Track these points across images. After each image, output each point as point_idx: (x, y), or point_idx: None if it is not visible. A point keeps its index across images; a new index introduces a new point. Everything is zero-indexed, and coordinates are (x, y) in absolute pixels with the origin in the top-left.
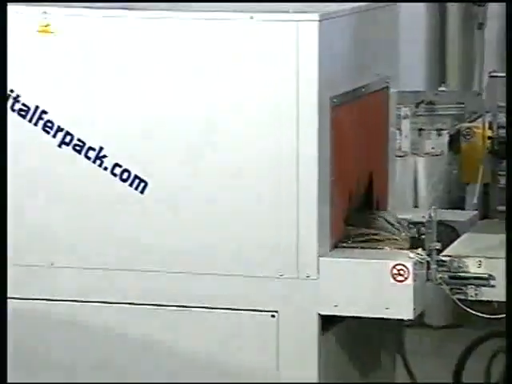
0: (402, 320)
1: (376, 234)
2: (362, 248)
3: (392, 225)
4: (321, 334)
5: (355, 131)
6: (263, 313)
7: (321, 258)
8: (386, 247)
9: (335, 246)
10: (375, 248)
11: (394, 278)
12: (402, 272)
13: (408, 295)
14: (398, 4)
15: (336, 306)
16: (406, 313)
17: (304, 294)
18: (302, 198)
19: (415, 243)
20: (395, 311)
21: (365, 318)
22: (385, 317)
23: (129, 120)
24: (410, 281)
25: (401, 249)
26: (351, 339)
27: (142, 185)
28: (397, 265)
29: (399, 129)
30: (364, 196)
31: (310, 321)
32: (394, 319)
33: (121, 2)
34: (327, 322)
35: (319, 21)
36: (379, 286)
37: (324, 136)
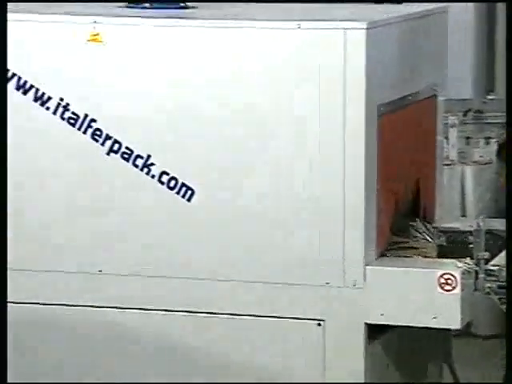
0: (450, 329)
1: (406, 242)
2: (406, 257)
3: (421, 233)
4: (367, 342)
5: (402, 139)
6: (309, 321)
7: (367, 267)
8: (414, 255)
9: (381, 255)
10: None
11: (442, 288)
12: (449, 281)
13: (455, 305)
14: (446, 11)
15: (383, 314)
16: (454, 322)
17: (350, 303)
18: (349, 206)
19: (444, 252)
20: (442, 320)
21: (412, 327)
22: (432, 326)
23: (177, 128)
24: (457, 290)
25: (427, 257)
26: (398, 348)
27: (189, 193)
28: (444, 274)
29: (447, 137)
30: (411, 205)
31: (357, 330)
32: (441, 329)
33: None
34: (374, 331)
35: (367, 29)
36: (426, 295)
37: (371, 144)
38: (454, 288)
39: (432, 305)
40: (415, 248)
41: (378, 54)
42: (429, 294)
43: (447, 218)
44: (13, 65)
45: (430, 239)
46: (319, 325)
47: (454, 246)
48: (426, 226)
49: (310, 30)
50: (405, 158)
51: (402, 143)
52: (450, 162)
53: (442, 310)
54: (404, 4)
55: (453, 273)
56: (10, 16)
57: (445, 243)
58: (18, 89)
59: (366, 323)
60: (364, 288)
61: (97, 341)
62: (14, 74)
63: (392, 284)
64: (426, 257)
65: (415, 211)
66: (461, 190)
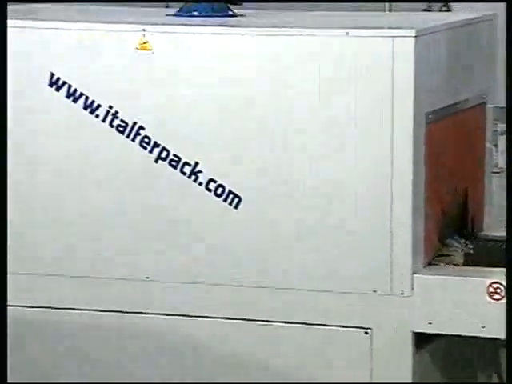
0: (498, 339)
1: (441, 250)
2: (455, 265)
3: (452, 240)
4: (415, 351)
5: (451, 147)
6: (356, 329)
7: (415, 275)
8: (441, 263)
9: (429, 263)
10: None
11: (491, 296)
12: (498, 290)
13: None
14: (495, 18)
15: (431, 323)
16: (503, 332)
17: (398, 311)
18: (396, 214)
19: (492, 260)
20: (491, 330)
21: (460, 336)
22: (481, 335)
23: (224, 136)
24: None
25: (456, 265)
26: (446, 357)
27: (236, 200)
28: (493, 283)
29: (496, 145)
30: (459, 213)
31: (404, 338)
32: (489, 338)
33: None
34: (421, 340)
35: (415, 36)
36: (475, 304)
37: (419, 152)
38: (503, 297)
39: (481, 314)
40: (447, 255)
41: (427, 61)
42: (477, 303)
43: (495, 226)
44: (63, 73)
45: (456, 246)
46: (366, 333)
47: (502, 254)
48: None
49: (358, 38)
50: (453, 165)
51: (451, 151)
52: (498, 170)
53: (490, 319)
54: (452, 12)
55: (502, 282)
56: (60, 25)
57: (493, 251)
58: (68, 97)
59: (413, 332)
60: (412, 296)
61: (145, 347)
62: (64, 83)
63: (440, 292)
64: (455, 265)
65: (463, 220)
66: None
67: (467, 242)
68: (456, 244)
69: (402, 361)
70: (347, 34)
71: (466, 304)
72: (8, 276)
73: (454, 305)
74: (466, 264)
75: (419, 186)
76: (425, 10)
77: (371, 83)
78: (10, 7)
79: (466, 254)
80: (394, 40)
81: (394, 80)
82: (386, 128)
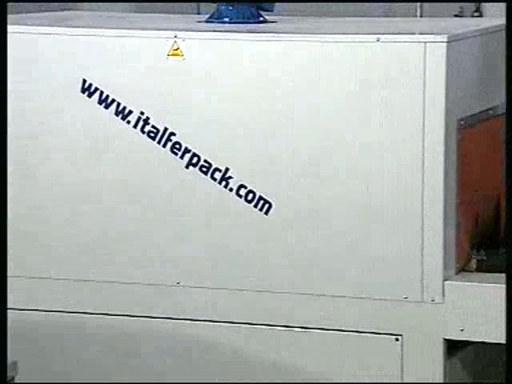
0: None
1: (473, 256)
2: (489, 271)
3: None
4: (446, 358)
5: (482, 154)
6: (387, 336)
7: (446, 282)
8: (473, 270)
9: (461, 270)
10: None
11: None
12: None
13: None
14: None
15: (462, 330)
16: None
17: (429, 318)
18: (428, 221)
19: (482, 265)
20: None
21: (492, 343)
22: None
23: (255, 141)
24: None
25: (488, 272)
26: (478, 365)
27: (267, 206)
28: None
29: None
30: (492, 220)
31: (436, 345)
32: None
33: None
34: (453, 347)
35: (447, 42)
36: None
37: (450, 158)
38: None
39: None
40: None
41: (458, 67)
42: None
43: None
44: (95, 79)
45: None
46: (397, 340)
47: None
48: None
49: (390, 44)
50: (485, 172)
51: (482, 157)
52: None
53: None
54: (484, 17)
55: None
56: (93, 31)
57: None
58: (100, 103)
59: (444, 339)
60: (443, 303)
61: (172, 352)
62: (96, 89)
63: (471, 299)
64: (487, 272)
65: (496, 227)
66: None
67: (499, 249)
68: (487, 251)
69: (433, 368)
70: (378, 39)
71: (497, 311)
72: (31, 279)
73: (486, 312)
74: (497, 271)
75: (451, 193)
76: (456, 16)
77: (402, 89)
78: (45, 14)
79: (498, 261)
80: (425, 45)
81: (426, 86)
82: (417, 134)
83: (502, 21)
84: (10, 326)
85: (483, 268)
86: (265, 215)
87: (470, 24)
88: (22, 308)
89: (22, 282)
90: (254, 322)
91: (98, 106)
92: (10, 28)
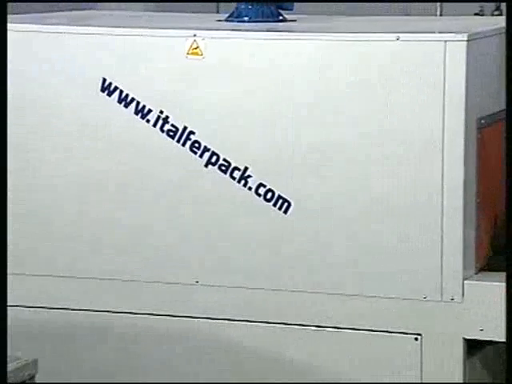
0: None
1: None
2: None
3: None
4: (466, 358)
5: (502, 153)
6: (406, 335)
7: (466, 281)
8: (492, 270)
9: (480, 269)
10: None
11: None
12: None
13: None
14: None
15: (482, 330)
16: None
17: (448, 318)
18: (448, 220)
19: (501, 265)
20: None
21: None
22: None
23: (275, 140)
24: None
25: (490, 271)
26: (498, 364)
27: (286, 205)
28: None
29: None
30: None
31: (455, 345)
32: None
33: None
34: (473, 347)
35: (467, 41)
36: None
37: (470, 158)
38: None
39: None
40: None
41: (478, 66)
42: None
43: None
44: (115, 78)
45: None
46: (416, 339)
47: None
48: None
49: (409, 42)
50: (505, 171)
51: (502, 157)
52: None
53: None
54: (504, 16)
55: None
56: (112, 31)
57: None
58: (119, 102)
59: (464, 338)
60: (462, 303)
61: (190, 351)
62: (116, 88)
63: (491, 299)
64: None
65: None
66: None
67: None
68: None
69: (453, 368)
70: (398, 38)
71: None
72: (54, 278)
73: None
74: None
75: (470, 193)
76: (477, 14)
77: (422, 88)
78: (64, 13)
79: None
80: (445, 44)
81: (446, 85)
82: (437, 133)
83: None
84: (28, 324)
85: (502, 267)
86: (284, 214)
87: (490, 23)
88: (53, 307)
89: (44, 279)
90: (272, 321)
91: (118, 105)
92: (30, 27)
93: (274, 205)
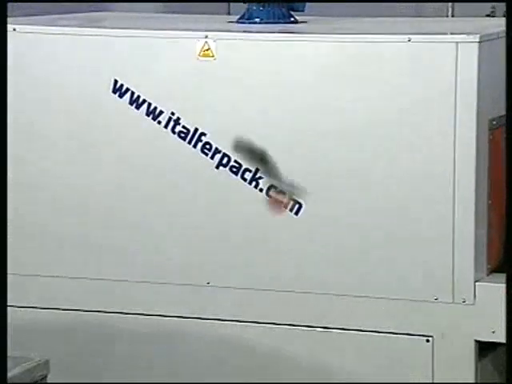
0: None
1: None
2: None
3: None
4: (478, 360)
5: None
6: (418, 337)
7: (477, 283)
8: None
9: (492, 271)
10: None
11: None
12: None
13: None
14: None
15: (494, 332)
16: None
17: (460, 319)
18: (459, 222)
19: None
20: None
21: None
22: None
23: (285, 142)
24: None
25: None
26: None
27: (297, 206)
28: None
29: None
30: None
31: (467, 347)
32: None
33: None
34: (484, 349)
35: (479, 42)
36: None
37: (482, 159)
38: None
39: None
40: None
41: (490, 67)
42: None
43: None
44: (126, 80)
45: None
46: (428, 341)
47: None
48: None
49: (421, 44)
50: None
51: None
52: None
53: None
54: None
55: None
56: (124, 32)
57: None
58: (131, 103)
59: (476, 340)
60: (474, 304)
61: (201, 352)
62: (127, 89)
63: (503, 301)
64: None
65: None
66: None
67: None
68: None
69: (465, 370)
70: (409, 39)
71: None
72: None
73: None
74: None
75: (482, 193)
76: (488, 16)
77: (434, 89)
78: (76, 15)
79: None
80: (457, 45)
81: (457, 86)
82: (448, 134)
83: None
84: (42, 323)
85: None
86: (295, 216)
87: (501, 24)
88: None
89: (48, 280)
90: (284, 323)
91: (129, 106)
92: (42, 29)
93: (285, 206)
